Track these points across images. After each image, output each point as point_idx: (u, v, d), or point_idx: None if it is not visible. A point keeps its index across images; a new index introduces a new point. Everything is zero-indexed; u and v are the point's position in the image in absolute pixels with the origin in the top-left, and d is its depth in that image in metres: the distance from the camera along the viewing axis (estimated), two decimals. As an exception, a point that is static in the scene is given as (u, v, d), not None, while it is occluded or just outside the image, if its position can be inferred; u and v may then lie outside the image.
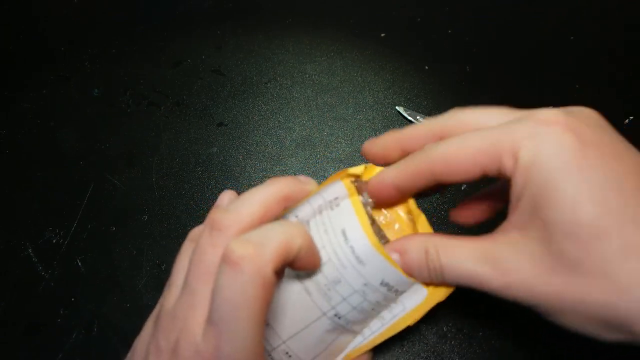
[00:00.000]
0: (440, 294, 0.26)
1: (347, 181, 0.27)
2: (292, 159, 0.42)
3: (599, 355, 0.32)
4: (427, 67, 0.47)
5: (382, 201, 0.27)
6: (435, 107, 0.44)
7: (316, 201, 0.27)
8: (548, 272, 0.21)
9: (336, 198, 0.27)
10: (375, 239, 0.25)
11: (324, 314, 0.26)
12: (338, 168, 0.41)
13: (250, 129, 0.43)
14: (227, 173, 0.41)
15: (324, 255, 0.25)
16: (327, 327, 0.27)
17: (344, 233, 0.25)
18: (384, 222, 0.28)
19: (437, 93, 0.45)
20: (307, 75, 0.47)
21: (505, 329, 0.33)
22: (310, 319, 0.27)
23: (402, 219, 0.28)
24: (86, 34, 0.50)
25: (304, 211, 0.27)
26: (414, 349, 0.33)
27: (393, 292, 0.26)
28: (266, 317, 0.22)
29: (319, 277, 0.26)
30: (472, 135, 0.23)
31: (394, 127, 0.42)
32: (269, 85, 0.46)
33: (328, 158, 0.42)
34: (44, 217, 0.38)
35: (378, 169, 0.28)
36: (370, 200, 0.27)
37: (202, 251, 0.22)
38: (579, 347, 0.32)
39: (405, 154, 0.26)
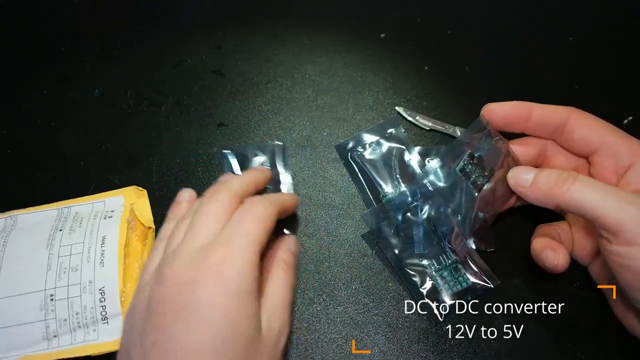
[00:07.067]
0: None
1: (128, 204, 0.37)
2: (292, 159, 0.42)
3: (599, 352, 0.32)
4: (427, 67, 0.47)
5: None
6: (435, 107, 0.44)
7: (99, 207, 0.37)
8: None
9: (112, 211, 0.36)
10: (122, 252, 0.33)
11: (45, 289, 0.32)
12: (338, 168, 0.41)
13: (251, 129, 0.43)
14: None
15: (79, 247, 0.34)
16: (37, 305, 0.32)
17: (104, 238, 0.34)
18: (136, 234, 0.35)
19: (437, 93, 0.45)
20: (307, 76, 0.47)
21: (506, 329, 0.33)
22: (32, 288, 0.32)
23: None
24: (86, 34, 0.50)
25: (85, 208, 0.37)
26: (413, 349, 0.33)
27: (102, 306, 0.32)
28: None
29: (63, 260, 0.33)
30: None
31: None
32: (269, 85, 0.46)
33: (328, 158, 0.42)
34: (44, 217, 0.38)
35: (145, 195, 0.38)
36: (133, 222, 0.36)
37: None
38: (578, 347, 0.33)
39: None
